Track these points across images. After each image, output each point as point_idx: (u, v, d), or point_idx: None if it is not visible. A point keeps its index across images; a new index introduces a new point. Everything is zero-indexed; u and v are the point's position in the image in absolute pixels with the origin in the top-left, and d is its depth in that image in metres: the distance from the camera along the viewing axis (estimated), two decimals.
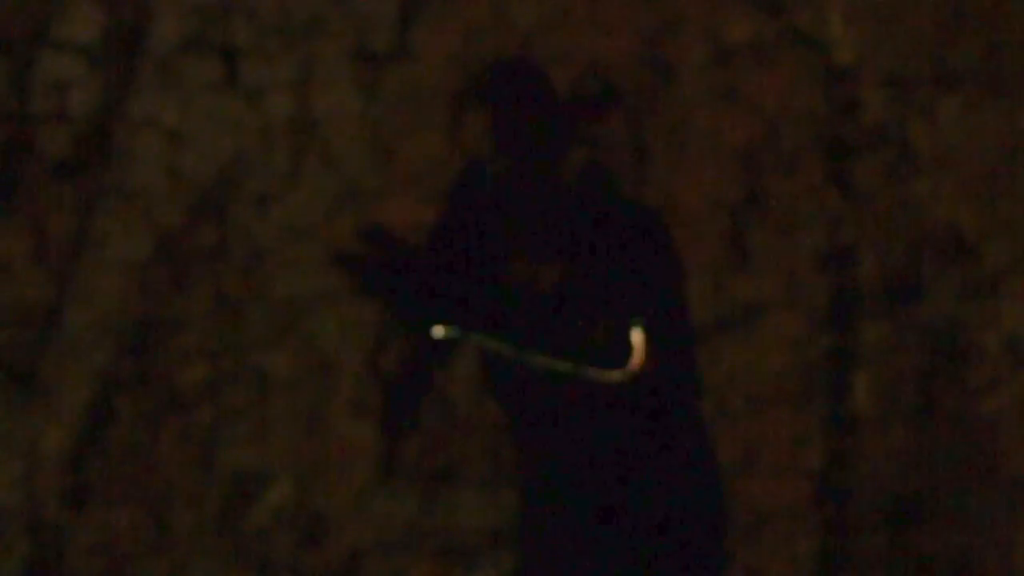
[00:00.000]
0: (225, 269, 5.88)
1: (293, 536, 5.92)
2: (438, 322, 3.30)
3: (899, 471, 6.01)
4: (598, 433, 3.59)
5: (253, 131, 5.88)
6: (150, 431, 5.85)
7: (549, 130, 3.51)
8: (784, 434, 5.98)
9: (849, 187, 6.01)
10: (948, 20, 5.99)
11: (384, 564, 5.93)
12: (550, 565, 3.61)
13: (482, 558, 5.87)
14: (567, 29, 5.91)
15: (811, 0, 5.97)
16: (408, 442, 5.92)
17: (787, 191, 5.97)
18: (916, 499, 6.01)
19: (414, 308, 3.28)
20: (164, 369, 5.86)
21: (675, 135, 5.89)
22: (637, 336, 3.43)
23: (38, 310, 5.83)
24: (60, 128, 5.82)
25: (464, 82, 3.56)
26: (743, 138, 5.96)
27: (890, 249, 6.01)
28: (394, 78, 5.90)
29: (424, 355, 3.43)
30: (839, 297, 5.99)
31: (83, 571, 5.85)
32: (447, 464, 5.92)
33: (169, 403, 5.86)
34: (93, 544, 5.86)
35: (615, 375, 3.41)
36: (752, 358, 5.96)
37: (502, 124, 3.48)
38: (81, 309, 5.83)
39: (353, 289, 3.34)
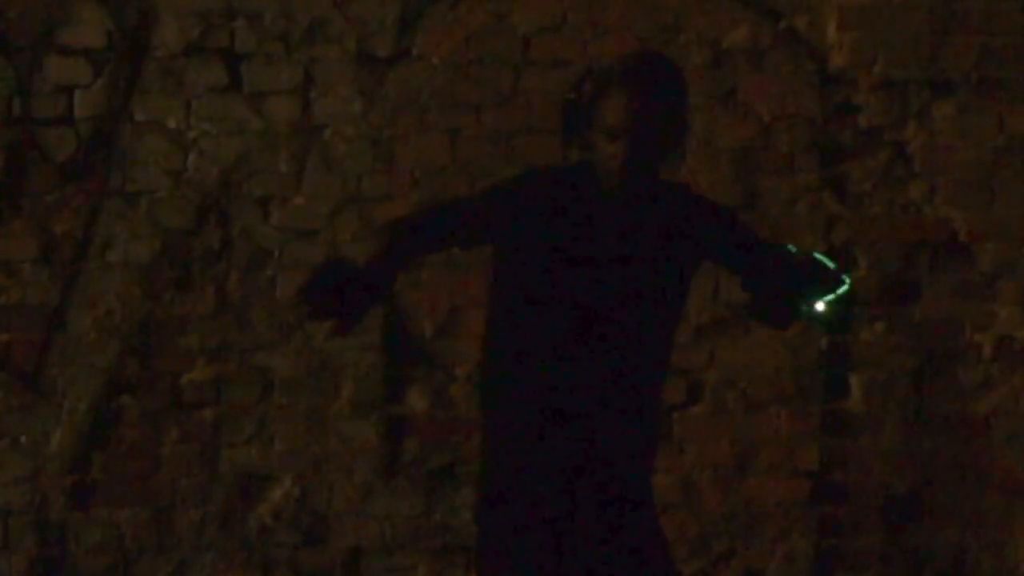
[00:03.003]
0: (228, 270, 5.89)
1: (295, 535, 5.93)
2: None
3: (894, 470, 6.03)
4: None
5: (256, 134, 5.88)
6: (154, 431, 5.86)
7: (675, 122, 3.76)
8: (781, 434, 5.99)
9: (844, 189, 6.02)
10: (941, 25, 6.01)
11: (385, 562, 5.94)
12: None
13: None
14: (566, 33, 5.92)
15: (807, 5, 5.98)
16: (409, 442, 5.93)
17: (783, 193, 5.99)
18: (910, 497, 6.03)
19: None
20: (168, 369, 5.87)
21: None
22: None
23: (43, 311, 5.83)
24: (65, 131, 5.83)
25: (606, 67, 3.74)
26: (739, 140, 5.98)
27: (885, 251, 6.02)
28: (395, 82, 5.90)
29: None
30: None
31: (88, 569, 5.86)
32: (447, 464, 5.93)
33: (173, 403, 5.87)
34: (98, 542, 5.87)
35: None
36: (749, 359, 5.97)
37: (641, 106, 3.66)
38: (86, 310, 5.84)
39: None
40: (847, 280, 3.80)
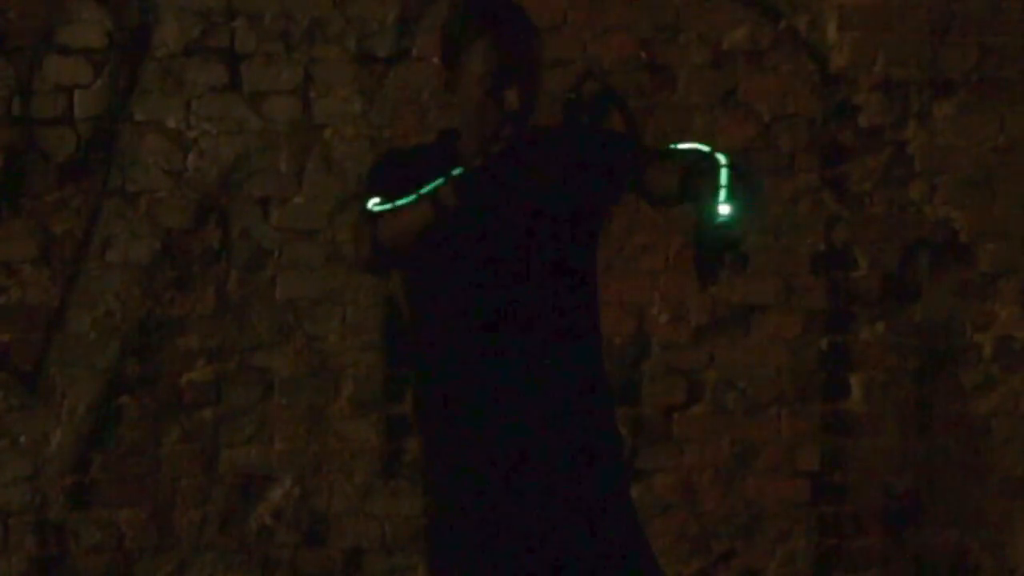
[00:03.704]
0: (228, 271, 5.89)
1: (295, 535, 5.93)
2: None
3: (894, 470, 6.03)
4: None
5: (255, 134, 5.89)
6: (154, 431, 5.87)
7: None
8: (781, 434, 5.99)
9: (845, 190, 6.03)
10: (941, 25, 6.02)
11: (385, 563, 5.94)
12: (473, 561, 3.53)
13: None
14: (566, 32, 5.92)
15: (807, 5, 5.98)
16: (409, 442, 5.94)
17: (783, 193, 5.99)
18: (911, 498, 6.03)
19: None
20: (167, 370, 5.87)
21: (673, 138, 5.89)
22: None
23: (43, 311, 5.83)
24: (65, 131, 5.83)
25: (459, 16, 3.56)
26: (740, 141, 5.98)
27: (885, 251, 6.03)
28: (395, 82, 5.91)
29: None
30: (835, 298, 6.01)
31: (88, 570, 5.86)
32: None
33: (172, 403, 5.87)
34: (97, 543, 5.86)
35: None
36: (749, 359, 5.98)
37: (515, 48, 3.49)
38: (85, 310, 5.84)
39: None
40: (720, 159, 3.19)
